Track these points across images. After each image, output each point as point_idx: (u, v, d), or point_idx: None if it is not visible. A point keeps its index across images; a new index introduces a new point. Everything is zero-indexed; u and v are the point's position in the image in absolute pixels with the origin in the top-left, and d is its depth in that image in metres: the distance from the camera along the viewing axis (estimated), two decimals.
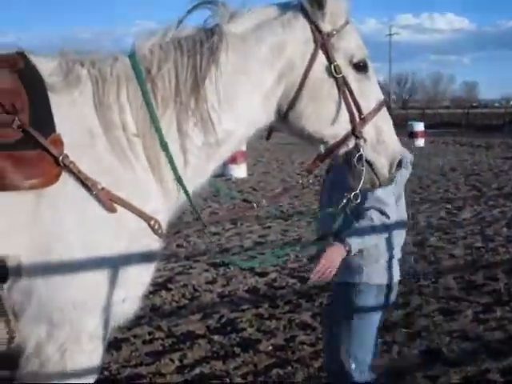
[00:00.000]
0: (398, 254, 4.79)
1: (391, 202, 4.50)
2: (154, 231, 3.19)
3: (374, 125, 3.48)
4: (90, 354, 3.09)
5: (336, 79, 3.38)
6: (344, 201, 3.63)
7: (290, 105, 3.41)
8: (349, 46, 3.43)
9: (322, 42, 3.37)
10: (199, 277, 10.02)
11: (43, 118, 2.99)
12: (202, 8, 3.40)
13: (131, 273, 3.09)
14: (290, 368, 6.63)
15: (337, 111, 3.40)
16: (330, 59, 3.38)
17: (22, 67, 3.09)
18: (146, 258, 3.20)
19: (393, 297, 4.82)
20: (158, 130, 3.20)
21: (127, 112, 3.19)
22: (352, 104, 3.40)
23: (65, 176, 2.96)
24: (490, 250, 11.74)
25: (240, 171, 22.78)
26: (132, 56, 3.27)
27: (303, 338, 7.43)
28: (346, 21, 3.44)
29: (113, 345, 6.71)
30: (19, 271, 2.87)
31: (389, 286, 4.71)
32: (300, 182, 3.76)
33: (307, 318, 7.95)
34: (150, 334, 7.61)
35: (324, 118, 3.42)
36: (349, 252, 4.43)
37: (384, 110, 3.53)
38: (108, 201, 3.01)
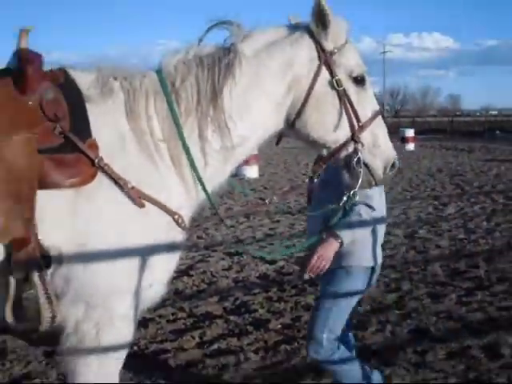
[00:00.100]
0: (381, 239, 4.78)
1: (376, 197, 4.51)
2: (178, 224, 3.20)
3: (371, 131, 3.47)
4: (121, 331, 3.10)
5: (337, 92, 3.38)
6: (345, 198, 3.63)
7: (297, 114, 3.41)
8: (348, 62, 3.42)
9: (325, 59, 3.37)
10: (216, 264, 10.01)
11: (81, 125, 3.01)
12: (219, 28, 3.40)
13: (158, 261, 3.10)
14: (296, 344, 6.63)
15: (338, 119, 3.40)
16: (332, 74, 3.38)
17: (63, 81, 3.11)
18: (170, 248, 3.20)
19: (375, 278, 4.81)
20: (181, 135, 3.20)
21: (154, 120, 3.20)
22: (351, 113, 3.40)
23: (100, 176, 2.97)
24: (471, 241, 11.69)
25: (252, 172, 22.73)
26: (159, 71, 3.29)
27: (308, 318, 7.40)
28: (345, 40, 3.44)
29: (141, 323, 6.72)
30: (60, 259, 2.88)
31: (373, 268, 4.71)
32: (305, 181, 3.76)
33: (311, 301, 7.92)
34: (173, 314, 7.61)
35: (327, 126, 3.42)
36: (341, 244, 4.44)
37: (379, 118, 3.53)
38: (137, 198, 3.02)
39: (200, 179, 3.27)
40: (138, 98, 3.19)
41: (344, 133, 3.43)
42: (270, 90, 3.36)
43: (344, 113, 3.40)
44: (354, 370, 4.72)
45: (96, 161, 2.96)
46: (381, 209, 4.66)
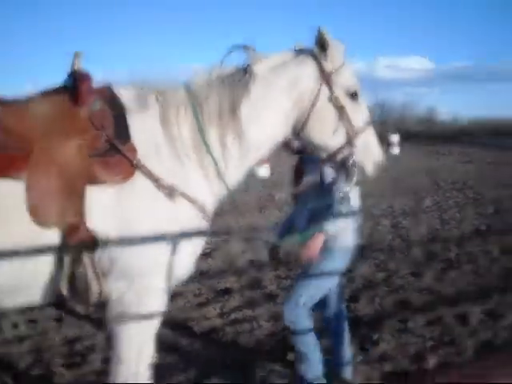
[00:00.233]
0: (356, 224, 4.77)
1: (352, 194, 4.49)
2: (203, 215, 3.21)
3: (363, 138, 3.48)
4: (156, 302, 3.12)
5: (336, 106, 3.38)
6: (341, 194, 3.64)
7: (302, 125, 3.42)
8: (345, 80, 3.42)
9: (326, 78, 3.38)
10: (234, 248, 10.03)
11: (123, 133, 3.04)
12: (237, 51, 3.41)
13: (186, 245, 3.12)
14: None
15: (336, 128, 3.40)
16: (331, 91, 3.38)
17: (108, 96, 3.13)
18: (196, 234, 3.22)
19: (351, 257, 4.77)
20: (205, 141, 3.22)
21: (183, 128, 3.21)
22: (347, 122, 3.40)
23: (138, 175, 3.00)
24: (445, 229, 11.66)
25: (264, 171, 22.70)
26: (187, 88, 3.30)
27: None
28: (343, 62, 3.44)
29: (171, 297, 6.72)
30: (106, 243, 2.90)
31: (350, 250, 4.70)
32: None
33: None
34: (198, 289, 7.62)
35: (327, 134, 3.42)
36: (327, 236, 4.43)
37: (370, 127, 3.54)
38: (169, 192, 3.04)
39: (222, 178, 3.29)
40: (170, 110, 3.21)
41: (341, 139, 3.43)
42: (278, 104, 3.37)
43: (341, 123, 3.40)
44: (311, 343, 4.62)
45: (134, 162, 2.99)
46: (356, 203, 4.64)
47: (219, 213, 3.64)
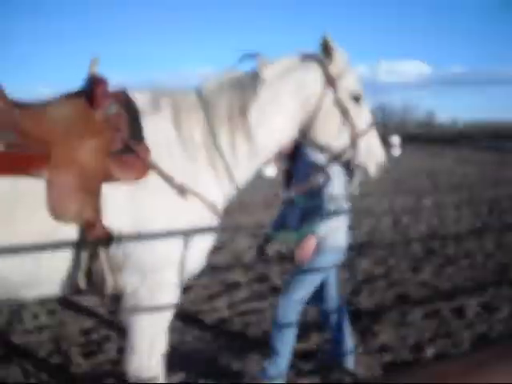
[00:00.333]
0: (347, 223, 4.75)
1: (341, 197, 4.47)
2: (213, 212, 3.21)
3: (366, 139, 3.46)
4: (169, 295, 3.12)
5: (340, 109, 3.37)
6: (331, 195, 3.64)
7: (307, 126, 3.40)
8: (348, 84, 3.40)
9: (331, 82, 3.36)
10: (241, 244, 10.03)
11: (137, 134, 3.05)
12: (248, 58, 3.40)
13: (197, 241, 3.11)
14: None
15: (340, 130, 3.39)
16: (336, 95, 3.37)
17: (123, 99, 3.13)
18: (207, 230, 3.22)
19: (343, 255, 4.74)
20: (216, 142, 3.21)
21: (195, 129, 3.20)
22: (351, 125, 3.39)
23: (152, 174, 2.99)
24: (443, 227, 11.63)
25: (271, 171, 22.70)
26: (199, 92, 3.30)
27: None
28: (346, 66, 3.43)
29: (183, 290, 6.75)
30: (121, 239, 2.90)
31: (342, 248, 4.67)
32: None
33: None
34: (208, 283, 7.64)
35: (331, 136, 3.41)
36: (318, 237, 4.42)
37: (372, 129, 3.52)
38: (181, 191, 3.04)
39: (231, 177, 3.28)
40: (182, 113, 3.20)
41: (345, 140, 3.42)
42: (286, 108, 3.35)
43: (345, 125, 3.39)
44: (288, 342, 4.55)
45: (148, 162, 2.99)
46: (344, 204, 4.62)
47: (228, 211, 3.64)
